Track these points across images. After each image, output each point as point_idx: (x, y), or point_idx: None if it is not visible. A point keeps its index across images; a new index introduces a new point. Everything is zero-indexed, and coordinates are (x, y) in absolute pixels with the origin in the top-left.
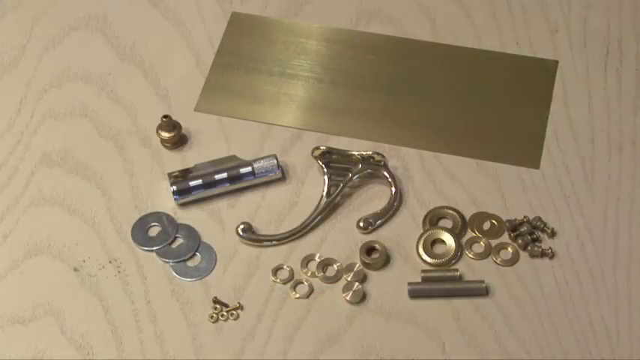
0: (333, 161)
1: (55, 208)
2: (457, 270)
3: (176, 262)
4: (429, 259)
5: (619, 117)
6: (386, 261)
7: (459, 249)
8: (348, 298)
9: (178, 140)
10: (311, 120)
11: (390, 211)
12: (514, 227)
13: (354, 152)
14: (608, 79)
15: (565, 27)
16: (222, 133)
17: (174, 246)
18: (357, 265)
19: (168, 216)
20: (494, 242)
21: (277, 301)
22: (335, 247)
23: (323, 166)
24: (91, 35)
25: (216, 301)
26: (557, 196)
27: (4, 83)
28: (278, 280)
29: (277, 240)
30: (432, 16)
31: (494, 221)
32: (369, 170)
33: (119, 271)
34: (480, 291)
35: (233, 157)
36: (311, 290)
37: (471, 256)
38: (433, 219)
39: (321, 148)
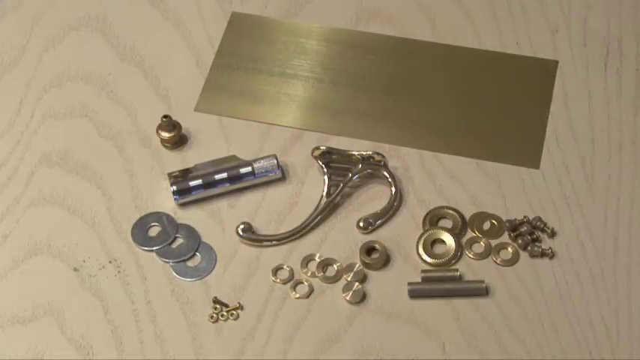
0: (333, 161)
1: (55, 208)
2: (457, 270)
3: (176, 262)
4: (429, 259)
5: (619, 117)
6: (386, 261)
7: (459, 249)
8: (348, 298)
9: (178, 140)
10: (311, 120)
11: (390, 211)
12: (514, 227)
13: (354, 152)
14: (608, 79)
15: (565, 27)
16: (222, 133)
17: (174, 246)
18: (357, 265)
19: (168, 216)
20: (494, 242)
21: (277, 301)
22: (335, 247)
23: (323, 166)
24: (91, 35)
25: (216, 301)
26: (557, 196)
27: (4, 83)
28: (278, 280)
29: (277, 240)
30: (432, 16)
31: (494, 221)
32: (369, 170)
33: (119, 271)
34: (480, 291)
35: (233, 157)
36: (311, 290)
37: (471, 256)
38: (433, 219)
39: (321, 148)
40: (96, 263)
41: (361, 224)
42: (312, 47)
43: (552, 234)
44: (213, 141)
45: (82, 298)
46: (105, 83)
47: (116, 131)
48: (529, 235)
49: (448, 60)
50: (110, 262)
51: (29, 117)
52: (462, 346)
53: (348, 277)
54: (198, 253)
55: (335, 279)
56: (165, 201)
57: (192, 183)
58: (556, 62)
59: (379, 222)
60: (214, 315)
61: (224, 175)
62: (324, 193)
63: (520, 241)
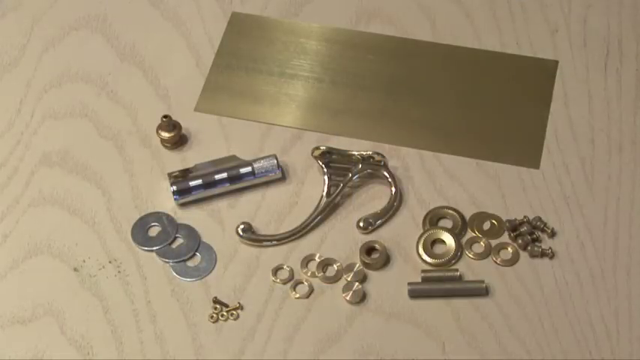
0: (333, 161)
1: (55, 208)
2: (457, 270)
3: (176, 262)
4: (429, 259)
5: (619, 117)
6: (386, 261)
7: (459, 249)
8: (348, 298)
9: (178, 140)
10: (311, 120)
11: (390, 211)
12: (514, 227)
13: (354, 152)
14: (608, 79)
15: (565, 27)
16: (222, 133)
17: (174, 246)
18: (357, 265)
19: (168, 216)
20: (494, 242)
21: (277, 301)
22: (335, 247)
23: (323, 166)
24: (91, 35)
25: (216, 301)
26: (557, 196)
27: (4, 83)
28: (278, 280)
29: (277, 240)
30: (432, 16)
31: (494, 221)
32: (369, 170)
33: (119, 271)
34: (480, 291)
35: (233, 157)
36: (311, 290)
37: (471, 256)
38: (433, 219)
39: (321, 148)
40: (96, 263)
41: (361, 224)
42: (312, 47)
43: (552, 234)
44: (213, 141)
45: (82, 298)
46: (105, 83)
47: (116, 131)
48: (529, 235)
49: (448, 60)
50: (110, 262)
51: (29, 117)
52: (462, 346)
53: (348, 277)
54: (198, 253)
55: (335, 279)
56: (165, 201)
57: (192, 183)
58: (556, 62)
59: (379, 222)
60: (214, 315)
61: (224, 175)
62: (324, 193)
63: (520, 241)
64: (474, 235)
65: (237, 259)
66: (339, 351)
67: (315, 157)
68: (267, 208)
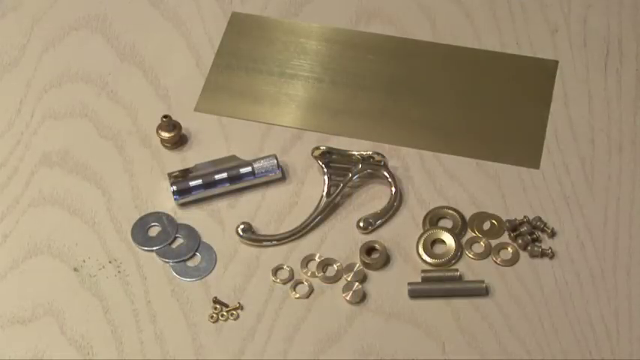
0: (333, 161)
1: (55, 208)
2: (457, 270)
3: (176, 262)
4: (429, 259)
5: (619, 117)
6: (386, 261)
7: (459, 249)
8: (348, 298)
9: (178, 140)
10: (311, 120)
11: (390, 211)
12: (514, 227)
13: (354, 152)
14: (608, 79)
15: (565, 27)
16: (222, 133)
17: (174, 246)
18: (357, 265)
19: (168, 216)
20: (494, 242)
21: (277, 301)
22: (335, 247)
23: (323, 166)
24: (91, 35)
25: (216, 301)
26: (557, 196)
27: (4, 83)
28: (278, 280)
29: (277, 240)
30: (432, 16)
31: (494, 221)
32: (369, 170)
33: (119, 271)
34: (480, 291)
35: (233, 157)
36: (311, 290)
37: (471, 256)
38: (433, 219)
39: (321, 148)
40: (96, 263)
41: (361, 224)
42: (312, 47)
43: (552, 234)
44: (213, 141)
45: (82, 298)
46: (105, 83)
47: (116, 131)
48: (529, 235)
49: (448, 60)
50: (110, 262)
51: (29, 117)
52: (462, 346)
53: (348, 277)
54: (198, 253)
55: (335, 279)
56: (165, 201)
57: (192, 183)
58: (556, 62)
59: (379, 222)
60: (214, 315)
61: (224, 175)
62: (324, 193)
63: (520, 241)
64: (474, 235)
65: (237, 259)
66: (339, 351)
67: (315, 157)
68: (267, 208)
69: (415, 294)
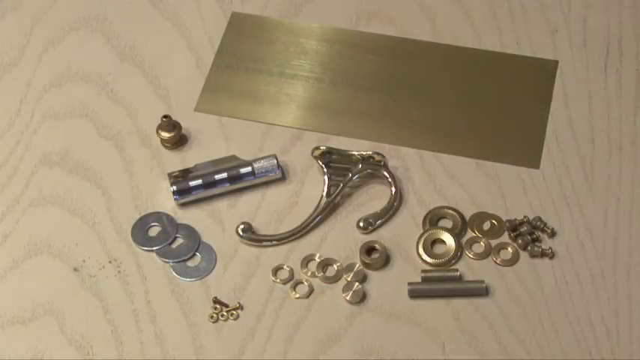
0: (333, 161)
1: (55, 208)
2: (457, 270)
3: (176, 262)
4: (429, 259)
5: (619, 117)
6: (386, 261)
7: (459, 249)
8: (348, 298)
9: (178, 140)
10: (311, 120)
11: (390, 211)
12: (514, 227)
13: (354, 152)
14: (608, 79)
15: (565, 27)
16: (222, 133)
17: (174, 246)
18: (357, 265)
19: (168, 216)
20: (494, 242)
21: (277, 301)
22: (335, 247)
23: (323, 166)
24: (91, 35)
25: (216, 301)
26: (557, 196)
27: (4, 83)
28: (278, 280)
29: (277, 240)
30: (432, 16)
31: (494, 221)
32: (369, 170)
33: (119, 271)
34: (480, 291)
35: (233, 157)
36: (311, 290)
37: (471, 256)
38: (433, 219)
39: (321, 148)
40: (96, 263)
41: (361, 224)
42: (312, 47)
43: (552, 234)
44: (213, 141)
45: (82, 298)
46: (105, 83)
47: (116, 131)
48: (529, 235)
49: (448, 60)
50: (110, 262)
51: (29, 117)
52: (462, 346)
53: (348, 277)
54: (198, 253)
55: (335, 279)
56: (165, 201)
57: (192, 183)
58: (556, 62)
59: (379, 222)
60: (214, 315)
61: (224, 175)
62: (324, 193)
63: (520, 241)
64: (474, 235)
65: (237, 259)
66: (339, 351)
67: (315, 157)
68: (267, 208)
69: (415, 294)
